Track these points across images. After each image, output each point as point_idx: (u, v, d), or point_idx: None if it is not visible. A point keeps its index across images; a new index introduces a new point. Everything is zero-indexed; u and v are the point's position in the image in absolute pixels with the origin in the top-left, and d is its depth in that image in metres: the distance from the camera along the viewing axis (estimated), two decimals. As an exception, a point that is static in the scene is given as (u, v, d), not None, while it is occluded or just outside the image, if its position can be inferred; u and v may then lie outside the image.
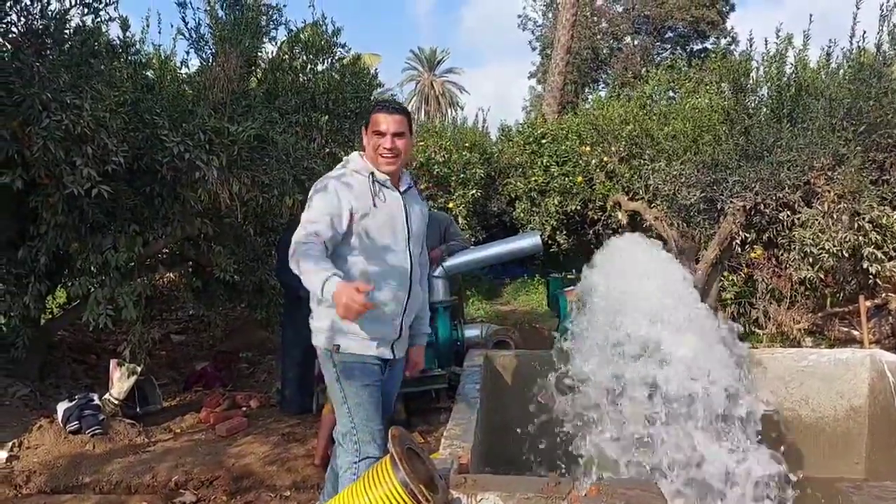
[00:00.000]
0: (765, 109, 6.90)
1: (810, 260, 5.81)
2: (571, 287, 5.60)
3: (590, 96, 20.30)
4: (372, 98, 6.62)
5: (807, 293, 6.63)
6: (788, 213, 6.19)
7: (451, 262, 5.44)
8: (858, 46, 6.52)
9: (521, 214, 10.75)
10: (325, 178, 2.96)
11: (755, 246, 6.78)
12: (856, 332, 6.67)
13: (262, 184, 4.94)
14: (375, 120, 2.97)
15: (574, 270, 6.68)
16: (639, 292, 3.46)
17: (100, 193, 4.23)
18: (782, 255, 6.55)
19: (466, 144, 11.15)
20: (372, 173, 2.96)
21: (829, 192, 5.87)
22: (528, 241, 5.59)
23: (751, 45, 6.90)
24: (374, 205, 2.90)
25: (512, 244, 5.71)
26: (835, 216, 5.73)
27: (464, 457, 2.31)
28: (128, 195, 4.94)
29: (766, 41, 6.70)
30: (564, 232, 10.73)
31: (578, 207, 10.52)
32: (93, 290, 4.85)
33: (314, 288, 2.58)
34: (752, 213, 6.51)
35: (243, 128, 4.76)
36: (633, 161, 9.03)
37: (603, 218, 10.31)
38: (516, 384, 3.87)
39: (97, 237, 4.85)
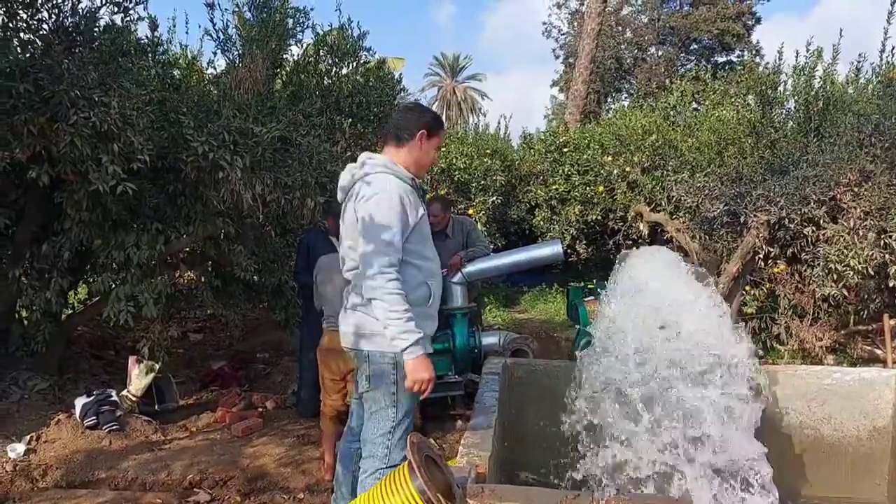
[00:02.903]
0: (791, 123, 6.84)
1: (834, 277, 5.73)
2: (592, 297, 5.57)
3: (612, 106, 20.22)
4: (395, 102, 6.63)
5: (830, 310, 6.54)
6: (813, 228, 6.10)
7: (470, 268, 5.42)
8: (888, 62, 6.44)
9: (541, 222, 10.72)
10: (391, 192, 2.79)
11: (778, 261, 6.69)
12: (879, 352, 6.57)
13: (284, 185, 4.95)
14: (441, 135, 3.06)
15: (595, 280, 6.66)
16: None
17: (125, 191, 4.26)
18: (805, 270, 6.46)
19: (488, 151, 11.14)
20: (413, 178, 2.95)
21: (855, 208, 5.79)
22: (548, 250, 5.55)
23: (780, 58, 6.83)
24: (422, 210, 2.93)
25: (533, 252, 5.68)
26: (860, 233, 5.65)
27: (481, 466, 2.29)
28: (151, 193, 4.98)
29: (796, 53, 6.64)
30: (584, 241, 10.68)
31: (599, 217, 10.48)
32: (114, 286, 4.88)
33: (395, 334, 2.65)
34: (776, 227, 6.43)
35: (267, 129, 4.78)
36: (656, 172, 8.98)
37: (623, 228, 10.26)
38: (535, 394, 3.83)
39: (120, 234, 4.89)
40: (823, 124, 6.48)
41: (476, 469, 2.25)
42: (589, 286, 5.82)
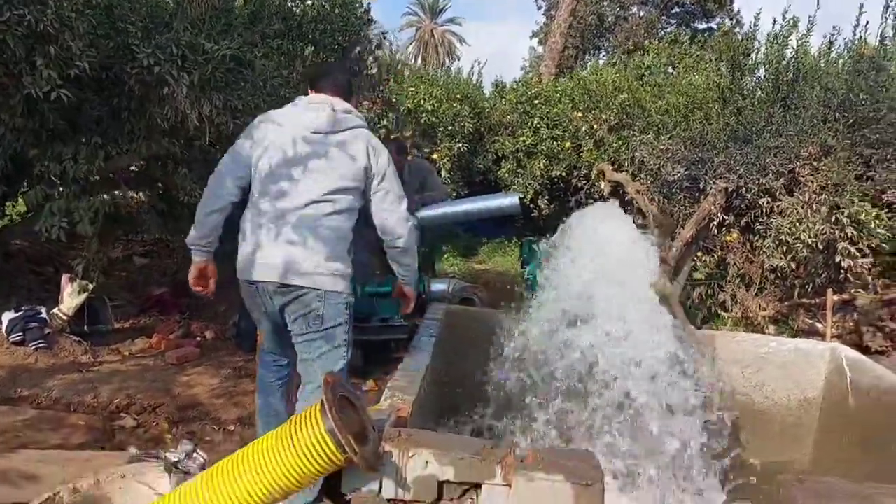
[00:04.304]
0: (759, 92, 6.77)
1: (784, 249, 5.76)
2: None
3: (589, 63, 19.99)
4: (362, 34, 6.39)
5: (776, 281, 6.60)
6: (769, 199, 6.12)
7: (424, 212, 5.30)
8: (861, 37, 6.38)
9: (506, 175, 10.59)
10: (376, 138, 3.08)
11: (731, 229, 6.71)
12: (819, 325, 6.66)
13: (234, 108, 4.74)
14: None
15: (547, 234, 6.60)
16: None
17: (60, 98, 4.01)
18: (757, 241, 6.50)
19: (458, 96, 10.91)
20: None
21: (812, 182, 5.80)
22: (507, 201, 5.45)
23: (755, 24, 6.72)
24: None
25: (490, 202, 5.58)
26: (814, 207, 5.66)
27: (403, 409, 2.23)
28: (93, 105, 4.73)
29: (773, 21, 6.53)
30: (547, 197, 10.60)
31: (563, 173, 10.38)
32: (49, 199, 4.66)
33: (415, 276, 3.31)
34: (733, 195, 6.43)
35: (220, 47, 4.54)
36: (623, 131, 8.88)
37: (586, 186, 10.20)
38: (473, 342, 3.78)
39: (57, 145, 4.65)
40: (791, 95, 6.42)
41: (397, 413, 2.18)
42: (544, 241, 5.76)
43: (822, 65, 6.84)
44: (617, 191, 9.57)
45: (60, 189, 4.74)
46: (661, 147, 6.97)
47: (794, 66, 6.53)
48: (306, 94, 3.21)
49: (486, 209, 5.50)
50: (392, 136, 8.71)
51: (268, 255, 2.90)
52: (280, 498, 1.99)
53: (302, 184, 2.89)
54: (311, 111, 2.98)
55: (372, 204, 3.04)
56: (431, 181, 5.61)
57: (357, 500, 2.01)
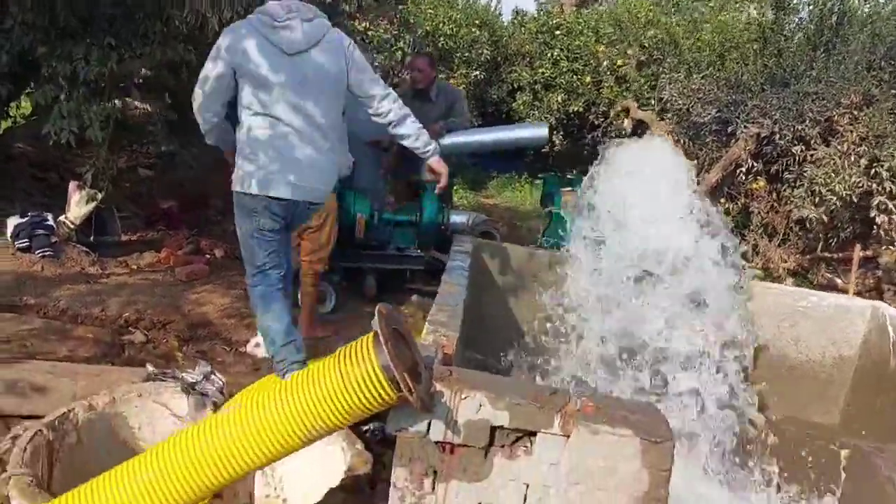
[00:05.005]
0: (800, 34, 6.47)
1: (816, 200, 5.57)
2: (569, 188, 5.32)
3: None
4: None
5: (800, 233, 6.43)
6: (803, 147, 5.89)
7: (449, 139, 5.08)
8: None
9: (522, 107, 10.30)
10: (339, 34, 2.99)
11: (759, 177, 6.51)
12: (839, 281, 6.54)
13: (257, 16, 4.45)
14: None
15: (574, 171, 6.41)
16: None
17: (74, -10, 3.74)
18: (785, 190, 6.29)
19: (476, 21, 10.53)
20: None
21: (851, 132, 5.57)
22: (534, 132, 5.22)
23: (803, -40, 6.38)
24: None
25: (517, 131, 5.36)
26: (852, 158, 5.45)
27: (448, 346, 2.08)
28: (106, 4, 4.43)
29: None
30: (562, 133, 10.34)
31: (581, 109, 10.10)
32: (58, 100, 4.42)
33: (428, 139, 3.11)
34: (765, 142, 6.20)
35: (243, -54, 4.23)
36: (650, 68, 8.56)
37: (604, 124, 9.93)
38: (503, 277, 3.63)
39: (68, 44, 4.38)
40: (834, 39, 6.14)
41: (443, 349, 2.03)
42: (568, 177, 5.55)
43: (867, 10, 6.54)
44: (635, 131, 9.34)
45: (69, 91, 4.49)
46: (693, 87, 6.69)
47: (839, 8, 6.23)
48: None
49: (513, 139, 5.27)
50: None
51: (291, 175, 2.87)
52: (321, 436, 1.86)
53: (297, 105, 2.86)
54: (279, 31, 2.83)
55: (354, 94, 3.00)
56: (458, 107, 5.35)
57: (403, 441, 1.88)
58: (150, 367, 3.11)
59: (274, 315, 2.99)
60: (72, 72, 4.36)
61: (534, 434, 1.85)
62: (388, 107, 2.98)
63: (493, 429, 1.85)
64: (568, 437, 1.82)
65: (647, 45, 8.68)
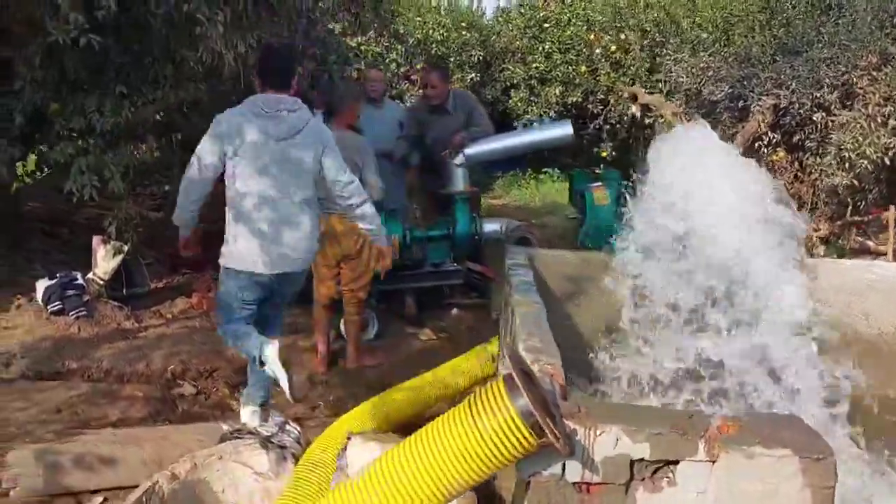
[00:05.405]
0: (803, 3, 6.39)
1: (846, 165, 5.49)
2: (598, 183, 5.22)
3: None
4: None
5: (827, 200, 6.35)
6: (823, 114, 5.81)
7: (473, 149, 4.98)
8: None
9: (518, 104, 10.20)
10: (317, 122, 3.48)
11: (777, 148, 6.42)
12: (870, 243, 6.48)
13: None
14: None
15: (601, 165, 6.31)
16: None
17: (89, 44, 3.60)
18: (808, 159, 6.21)
19: (463, 24, 10.44)
20: None
21: (873, 93, 5.49)
22: (559, 131, 5.09)
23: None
24: None
25: (543, 133, 5.22)
26: (879, 120, 5.37)
27: (557, 375, 1.97)
28: (114, 52, 4.31)
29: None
30: (562, 126, 10.23)
31: (580, 100, 10.01)
32: (75, 157, 4.29)
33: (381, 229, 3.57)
34: (782, 113, 6.12)
35: (249, -22, 4.12)
36: (655, 50, 8.46)
37: (605, 112, 9.84)
38: (561, 286, 3.51)
39: (79, 97, 4.26)
40: (841, 1, 6.07)
41: (554, 379, 1.93)
42: (596, 171, 5.45)
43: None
44: (635, 116, 9.24)
45: (82, 144, 4.37)
46: (701, 66, 6.60)
47: (842, -31, 6.15)
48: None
49: (539, 141, 5.17)
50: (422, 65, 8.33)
51: (273, 248, 3.18)
52: (455, 497, 1.74)
53: (280, 183, 3.18)
54: (269, 119, 3.18)
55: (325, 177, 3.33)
56: (476, 115, 5.25)
57: (538, 485, 1.78)
58: (224, 427, 3.00)
59: (252, 342, 3.23)
60: (87, 125, 4.24)
61: (675, 462, 1.75)
62: (351, 191, 3.37)
63: (632, 462, 1.76)
64: (714, 461, 1.72)
65: (648, 28, 8.55)
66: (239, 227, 3.19)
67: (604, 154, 9.21)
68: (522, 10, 11.00)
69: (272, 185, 3.16)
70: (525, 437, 1.63)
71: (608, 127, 10.05)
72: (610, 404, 1.95)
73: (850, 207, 6.41)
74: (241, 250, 3.18)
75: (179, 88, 4.57)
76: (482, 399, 1.70)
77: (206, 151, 3.16)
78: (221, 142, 3.14)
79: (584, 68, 9.79)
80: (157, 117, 5.17)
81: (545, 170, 11.36)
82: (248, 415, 3.43)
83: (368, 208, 3.43)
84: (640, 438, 1.72)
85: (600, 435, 1.74)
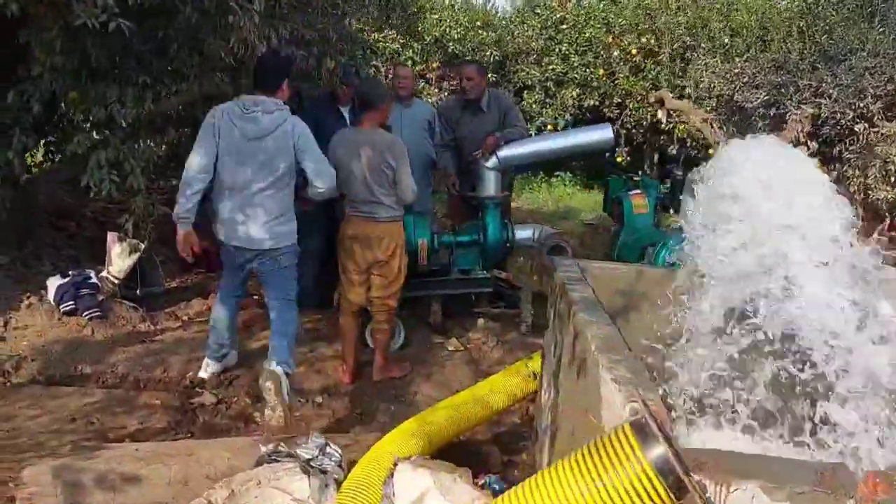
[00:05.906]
0: (846, 8, 6.20)
1: (892, 179, 5.30)
2: (637, 190, 5.00)
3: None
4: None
5: (865, 213, 6.16)
6: (866, 125, 5.62)
7: (507, 151, 4.75)
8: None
9: (533, 105, 9.98)
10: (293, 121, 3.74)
11: (814, 159, 6.23)
12: (904, 259, 6.29)
13: (301, 39, 4.12)
14: None
15: (639, 172, 6.09)
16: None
17: (118, 29, 3.35)
18: (846, 171, 6.02)
19: (478, 23, 10.21)
20: None
21: (919, 105, 5.31)
22: (599, 135, 4.83)
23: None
24: None
25: (580, 137, 4.98)
26: (925, 132, 5.19)
27: (660, 413, 1.74)
28: (139, 40, 4.06)
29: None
30: (575, 129, 10.04)
31: (596, 103, 9.82)
32: (93, 149, 4.04)
33: None
34: (822, 123, 5.93)
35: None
36: (686, 54, 8.24)
37: (622, 116, 9.65)
38: (614, 301, 3.28)
39: (100, 86, 4.01)
40: (883, 7, 5.89)
41: (663, 421, 1.69)
42: (634, 178, 5.22)
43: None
44: (659, 121, 9.05)
45: (105, 137, 4.12)
46: (735, 71, 6.41)
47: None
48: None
49: (577, 145, 4.91)
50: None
51: (231, 226, 3.72)
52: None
53: (245, 176, 3.62)
54: (246, 120, 3.59)
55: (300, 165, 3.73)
56: (512, 116, 5.02)
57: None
58: (262, 448, 2.76)
59: (226, 310, 4.05)
60: (108, 116, 3.99)
61: (819, 522, 1.53)
62: (319, 178, 3.73)
63: (770, 523, 1.54)
64: (864, 522, 1.51)
65: (679, 31, 8.30)
66: (217, 205, 3.72)
67: (619, 159, 9.00)
68: (538, 11, 10.78)
69: (239, 176, 3.60)
70: (660, 495, 1.40)
71: (624, 132, 9.88)
72: (739, 454, 1.71)
73: (888, 221, 6.23)
74: (218, 224, 3.75)
75: (203, 80, 4.32)
76: (605, 448, 1.45)
77: (205, 142, 3.59)
78: (215, 133, 3.58)
79: (601, 71, 9.59)
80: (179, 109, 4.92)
81: (557, 173, 11.17)
82: (202, 366, 4.10)
83: (332, 184, 3.78)
84: (780, 497, 1.50)
85: (734, 492, 1.51)
